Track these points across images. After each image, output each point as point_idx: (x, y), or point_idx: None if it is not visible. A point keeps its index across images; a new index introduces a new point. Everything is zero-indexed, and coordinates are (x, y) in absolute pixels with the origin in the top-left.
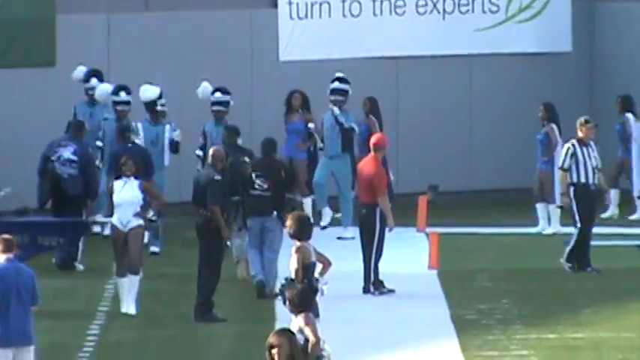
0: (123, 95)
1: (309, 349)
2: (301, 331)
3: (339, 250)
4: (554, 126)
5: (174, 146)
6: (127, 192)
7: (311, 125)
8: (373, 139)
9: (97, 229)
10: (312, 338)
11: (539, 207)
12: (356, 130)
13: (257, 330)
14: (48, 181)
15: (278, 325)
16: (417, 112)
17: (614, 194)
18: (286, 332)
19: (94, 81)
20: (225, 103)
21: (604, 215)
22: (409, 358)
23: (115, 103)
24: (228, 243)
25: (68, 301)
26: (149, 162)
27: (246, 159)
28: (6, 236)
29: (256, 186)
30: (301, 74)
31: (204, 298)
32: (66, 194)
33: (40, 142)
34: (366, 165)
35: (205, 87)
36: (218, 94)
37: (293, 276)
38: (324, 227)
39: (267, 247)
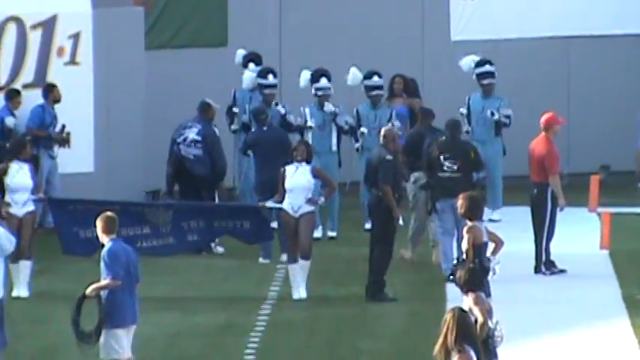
0: (270, 78)
1: (478, 329)
2: (471, 310)
3: (510, 230)
4: None
5: (345, 130)
6: (299, 177)
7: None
8: (544, 118)
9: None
10: (480, 318)
11: None
12: (509, 119)
13: (428, 310)
14: (173, 163)
15: (449, 306)
16: (588, 91)
17: None
18: (462, 310)
19: (251, 66)
20: (382, 87)
21: None
22: (580, 338)
23: (262, 86)
24: (400, 222)
25: (238, 282)
26: (286, 145)
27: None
28: (109, 214)
29: (445, 168)
30: (472, 54)
31: (376, 277)
32: (192, 176)
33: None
34: (538, 145)
35: (354, 73)
36: (376, 78)
37: (464, 256)
38: None
39: (459, 228)
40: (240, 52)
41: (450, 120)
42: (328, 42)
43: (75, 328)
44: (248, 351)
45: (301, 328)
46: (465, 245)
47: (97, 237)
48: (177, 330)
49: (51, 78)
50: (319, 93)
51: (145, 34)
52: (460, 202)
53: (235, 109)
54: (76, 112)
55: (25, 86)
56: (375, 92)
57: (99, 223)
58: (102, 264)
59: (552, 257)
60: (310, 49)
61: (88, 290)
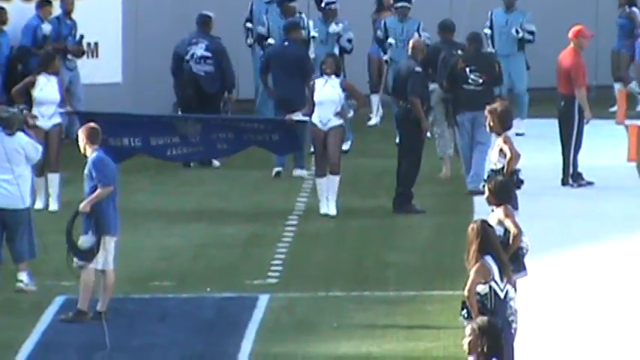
0: None
1: (510, 240)
2: (500, 223)
3: (538, 143)
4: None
5: (348, 50)
6: (328, 90)
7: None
8: (572, 31)
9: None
10: (513, 229)
11: None
12: (533, 35)
13: (455, 222)
14: (185, 82)
15: (476, 217)
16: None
17: None
18: (484, 222)
19: None
20: (409, 0)
21: None
22: (607, 251)
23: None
24: (428, 134)
25: (266, 194)
26: (305, 63)
27: (459, 52)
28: (92, 125)
29: (470, 80)
30: None
31: (404, 189)
32: (205, 93)
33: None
34: (565, 57)
35: None
36: None
37: (493, 167)
38: None
39: (477, 140)
40: None
41: (471, 33)
42: None
43: (71, 246)
44: (275, 262)
45: (328, 240)
46: (497, 156)
47: (127, 147)
48: (205, 241)
49: None
50: (328, 7)
51: None
52: (489, 116)
53: (249, 25)
54: (104, 23)
55: None
56: (401, 4)
57: (81, 134)
58: (87, 173)
59: (580, 169)
60: None
61: (81, 206)
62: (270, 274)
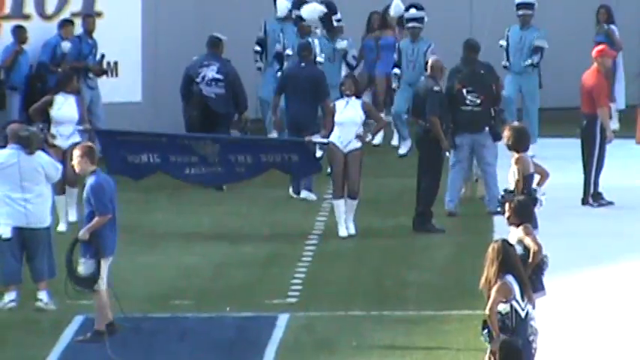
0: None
1: (531, 258)
2: (520, 241)
3: (558, 162)
4: None
5: (353, 67)
6: (349, 111)
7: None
8: (595, 50)
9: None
10: (533, 246)
11: None
12: (544, 47)
13: (475, 241)
14: (196, 104)
15: (496, 237)
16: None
17: None
18: (505, 242)
19: None
20: (421, 19)
21: None
22: (627, 270)
23: (299, 17)
24: (447, 153)
25: (285, 213)
26: (322, 85)
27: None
28: (88, 144)
29: (467, 102)
30: None
31: (424, 208)
32: (215, 115)
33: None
34: (588, 76)
35: (397, 5)
36: (413, 11)
37: (511, 187)
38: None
39: (485, 162)
40: None
41: (466, 41)
42: None
43: (71, 274)
44: (294, 281)
45: (348, 259)
46: (514, 176)
47: (145, 164)
48: (224, 260)
49: (99, 7)
50: (338, 24)
51: None
52: (507, 133)
53: (258, 48)
54: (124, 41)
55: (74, 15)
56: (412, 24)
57: (78, 152)
58: (85, 198)
59: (600, 189)
60: None
61: (80, 234)
62: (289, 293)
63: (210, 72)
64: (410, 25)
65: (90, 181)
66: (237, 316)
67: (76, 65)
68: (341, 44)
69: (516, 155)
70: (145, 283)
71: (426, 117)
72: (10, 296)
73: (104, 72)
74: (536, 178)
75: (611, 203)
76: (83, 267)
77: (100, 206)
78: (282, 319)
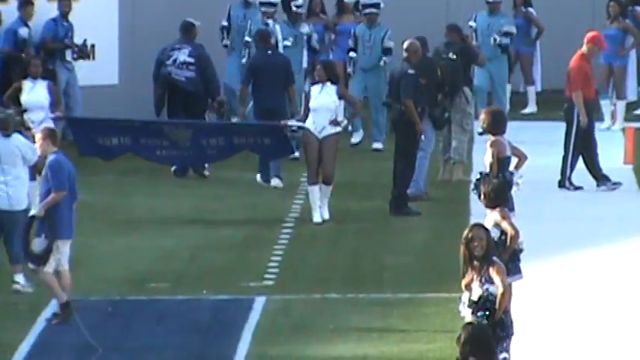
0: None
1: (508, 242)
2: (497, 225)
3: (536, 144)
4: None
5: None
6: (324, 97)
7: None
8: (589, 35)
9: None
10: (510, 231)
11: None
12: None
13: (451, 224)
14: (162, 86)
15: (472, 220)
16: None
17: None
18: (482, 227)
19: None
20: (377, 5)
21: None
22: (603, 254)
23: (260, 3)
24: (422, 137)
25: (262, 196)
26: (289, 72)
27: (452, 55)
28: (51, 127)
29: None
30: None
31: (400, 191)
32: (184, 96)
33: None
34: (573, 59)
35: None
36: None
37: (487, 170)
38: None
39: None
40: None
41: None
42: None
43: (25, 250)
44: (271, 264)
45: (324, 242)
46: (488, 159)
47: (116, 146)
48: (201, 243)
49: None
50: (297, 10)
51: None
52: (483, 116)
53: (225, 23)
54: (101, 24)
55: None
56: (368, 10)
57: (40, 135)
58: (43, 175)
59: (576, 171)
60: None
61: (37, 211)
62: (266, 276)
63: (182, 55)
64: (367, 11)
65: (49, 158)
66: (213, 299)
67: (51, 46)
68: (305, 28)
69: (492, 138)
70: (122, 265)
71: (401, 100)
72: None
73: (88, 56)
74: (514, 160)
75: (579, 188)
76: (36, 244)
77: (55, 182)
78: (259, 302)
